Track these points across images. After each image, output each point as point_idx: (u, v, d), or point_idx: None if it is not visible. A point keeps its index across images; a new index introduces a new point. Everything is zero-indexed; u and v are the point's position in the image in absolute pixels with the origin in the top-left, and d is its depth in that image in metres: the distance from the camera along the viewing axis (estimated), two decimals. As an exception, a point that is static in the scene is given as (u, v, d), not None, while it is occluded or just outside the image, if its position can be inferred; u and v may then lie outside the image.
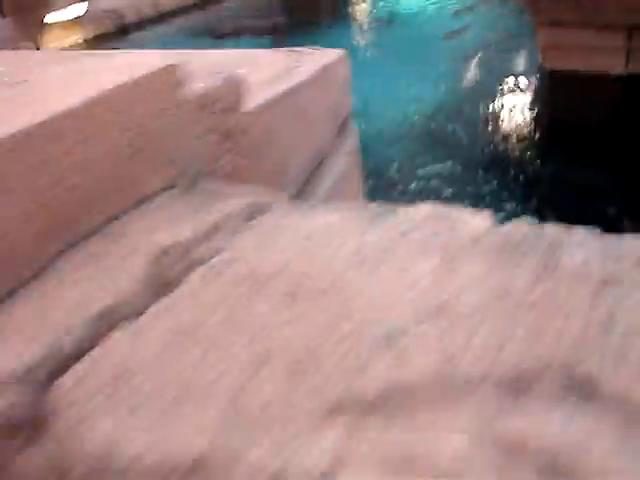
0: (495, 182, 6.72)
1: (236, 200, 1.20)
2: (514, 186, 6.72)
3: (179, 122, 1.30)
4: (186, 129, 1.32)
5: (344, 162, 2.08)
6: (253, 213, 1.18)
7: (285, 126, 1.77)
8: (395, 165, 7.23)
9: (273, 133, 1.73)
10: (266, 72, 1.85)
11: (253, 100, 1.68)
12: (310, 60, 1.93)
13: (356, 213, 1.11)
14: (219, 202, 1.21)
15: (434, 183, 6.76)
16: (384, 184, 6.88)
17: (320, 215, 1.13)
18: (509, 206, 6.17)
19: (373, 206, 1.13)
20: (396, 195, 6.57)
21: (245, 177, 1.57)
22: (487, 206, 6.19)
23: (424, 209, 1.07)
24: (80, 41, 13.39)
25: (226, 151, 1.49)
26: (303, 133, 1.85)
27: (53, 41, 12.96)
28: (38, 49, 12.81)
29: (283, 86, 1.78)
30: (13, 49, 12.06)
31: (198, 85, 1.41)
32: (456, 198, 6.37)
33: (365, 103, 8.94)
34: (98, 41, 13.53)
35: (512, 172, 7.03)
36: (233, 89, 1.47)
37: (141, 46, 13.38)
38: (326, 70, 1.93)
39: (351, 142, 2.09)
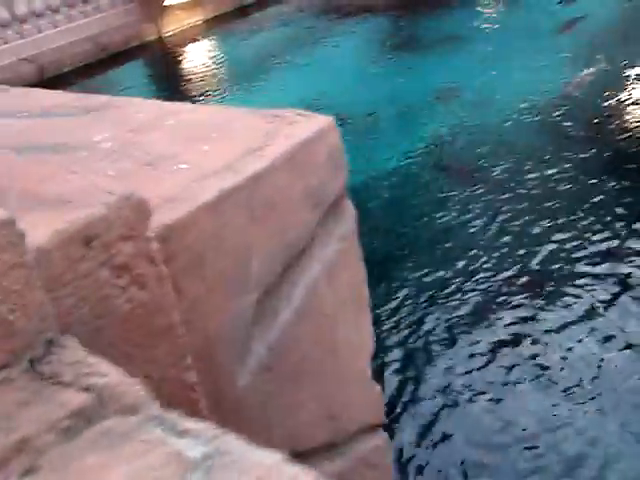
0: (619, 184, 6.11)
1: (55, 407, 0.91)
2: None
3: (30, 277, 1.02)
4: (38, 281, 1.04)
5: (334, 250, 1.75)
6: (68, 431, 0.89)
7: (235, 227, 1.46)
8: (510, 161, 6.74)
9: (215, 239, 1.42)
10: (221, 154, 1.54)
11: (189, 202, 1.39)
12: (286, 135, 1.60)
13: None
14: (42, 403, 0.93)
15: (552, 182, 6.24)
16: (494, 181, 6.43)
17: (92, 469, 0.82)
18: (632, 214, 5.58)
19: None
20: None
21: (156, 312, 1.28)
22: (603, 212, 5.61)
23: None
24: (200, 22, 13.42)
25: (123, 287, 1.20)
26: (265, 229, 1.53)
27: (173, 23, 13.07)
28: (159, 31, 12.98)
29: (237, 178, 1.47)
30: (136, 32, 12.25)
31: (76, 216, 1.13)
32: (577, 199, 5.83)
33: (481, 93, 8.41)
34: (218, 21, 13.53)
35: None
36: (129, 211, 1.17)
37: (260, 26, 13.28)
38: (305, 147, 1.59)
39: (345, 226, 1.75)
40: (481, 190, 6.29)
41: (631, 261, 5.00)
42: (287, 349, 1.71)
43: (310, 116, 1.69)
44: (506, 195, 6.13)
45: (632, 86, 7.88)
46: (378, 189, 6.63)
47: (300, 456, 1.90)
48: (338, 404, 1.93)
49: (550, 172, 6.43)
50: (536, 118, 7.60)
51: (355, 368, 1.95)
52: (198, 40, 13.02)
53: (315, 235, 1.69)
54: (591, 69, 8.49)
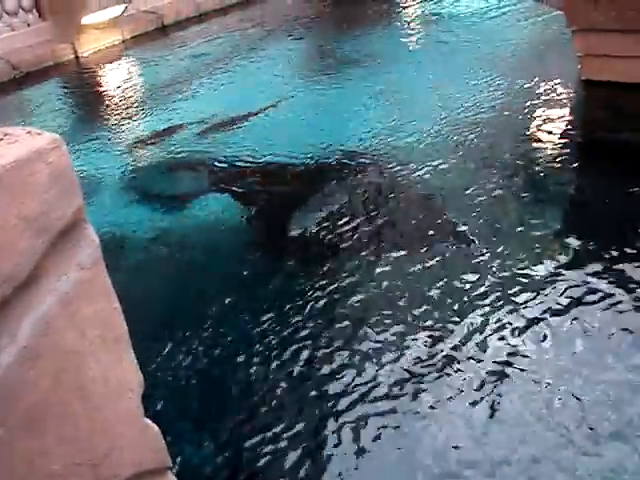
0: (524, 203, 6.08)
1: None
2: (544, 209, 6.06)
3: None
4: None
5: (72, 281, 1.61)
6: None
7: None
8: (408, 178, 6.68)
9: None
10: None
11: None
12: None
13: None
14: None
15: (457, 197, 6.18)
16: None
17: None
18: (537, 232, 5.53)
19: None
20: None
21: None
22: (511, 232, 5.55)
23: None
24: (118, 42, 13.24)
25: None
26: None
27: (91, 42, 12.85)
28: (75, 51, 12.73)
29: None
30: (51, 51, 12.00)
31: None
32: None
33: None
34: (136, 42, 13.38)
35: (542, 192, 6.37)
36: None
37: (180, 46, 13.12)
38: (18, 169, 1.46)
39: (85, 254, 1.62)
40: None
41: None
42: (16, 391, 1.56)
43: (36, 134, 1.56)
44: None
45: (542, 103, 7.98)
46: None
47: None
48: (100, 449, 1.78)
49: (456, 188, 6.39)
50: (447, 131, 7.62)
51: (118, 409, 1.80)
52: (116, 61, 12.84)
53: (44, 265, 1.55)
54: (504, 83, 8.59)
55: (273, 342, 4.74)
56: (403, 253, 5.49)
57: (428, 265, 5.29)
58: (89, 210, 1.66)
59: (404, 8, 13.58)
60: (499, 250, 5.32)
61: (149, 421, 1.90)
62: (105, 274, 1.68)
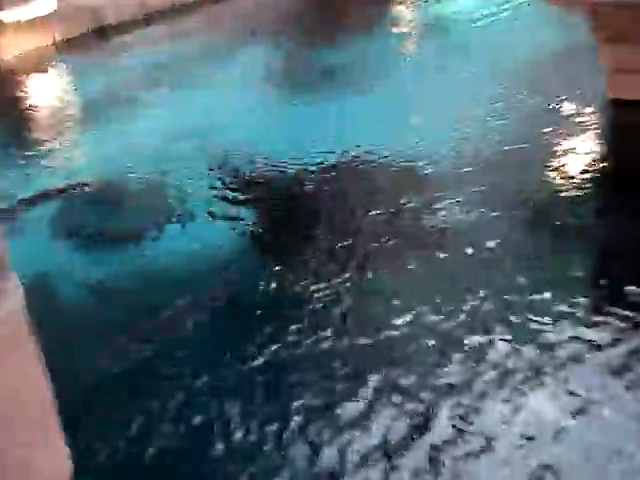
0: (544, 242, 6.09)
1: None
2: (569, 248, 6.06)
3: None
4: None
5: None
6: None
7: None
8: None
9: None
10: None
11: None
12: None
13: None
14: None
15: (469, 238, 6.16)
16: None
17: None
18: (564, 277, 5.52)
19: None
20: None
21: None
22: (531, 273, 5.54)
23: None
24: (49, 45, 13.23)
25: None
26: None
27: (14, 45, 12.81)
28: (-5, 55, 12.70)
29: None
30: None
31: None
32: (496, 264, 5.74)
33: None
34: (70, 45, 13.39)
35: (565, 230, 6.37)
36: None
37: (121, 51, 13.17)
38: None
39: (9, 301, 1.57)
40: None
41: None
42: None
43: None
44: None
45: (562, 126, 8.07)
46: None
47: None
48: None
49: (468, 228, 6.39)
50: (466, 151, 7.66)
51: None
52: (45, 66, 12.82)
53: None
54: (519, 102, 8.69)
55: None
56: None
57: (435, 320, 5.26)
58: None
59: (400, 10, 13.71)
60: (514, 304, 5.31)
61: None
62: (27, 328, 1.63)
